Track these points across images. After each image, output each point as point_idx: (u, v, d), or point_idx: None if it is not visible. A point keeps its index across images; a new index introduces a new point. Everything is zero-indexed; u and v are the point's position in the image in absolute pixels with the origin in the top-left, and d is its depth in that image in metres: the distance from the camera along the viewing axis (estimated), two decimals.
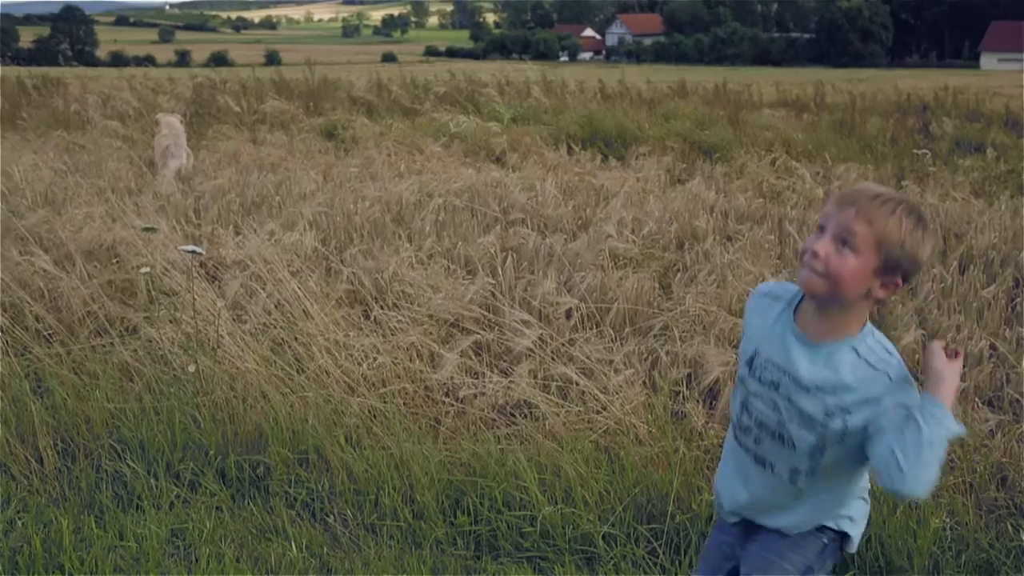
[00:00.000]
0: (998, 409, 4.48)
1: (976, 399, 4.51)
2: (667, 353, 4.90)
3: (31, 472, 3.94)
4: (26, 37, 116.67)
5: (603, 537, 3.46)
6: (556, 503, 3.57)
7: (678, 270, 6.30)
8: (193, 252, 4.91)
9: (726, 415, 4.37)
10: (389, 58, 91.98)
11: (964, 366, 4.83)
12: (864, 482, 2.38)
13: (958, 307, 5.71)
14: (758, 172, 10.29)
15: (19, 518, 3.61)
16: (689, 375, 4.74)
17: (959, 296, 5.88)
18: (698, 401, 4.45)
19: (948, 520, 3.50)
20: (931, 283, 6.01)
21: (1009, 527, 3.54)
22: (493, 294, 5.50)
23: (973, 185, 10.24)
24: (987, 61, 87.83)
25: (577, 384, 4.35)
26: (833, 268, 2.04)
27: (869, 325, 2.16)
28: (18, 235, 6.60)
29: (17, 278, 5.65)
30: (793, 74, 37.26)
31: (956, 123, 14.62)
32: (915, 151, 12.04)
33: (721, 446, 3.98)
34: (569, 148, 11.97)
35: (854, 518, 2.41)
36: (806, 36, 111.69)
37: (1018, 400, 4.55)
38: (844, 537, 2.41)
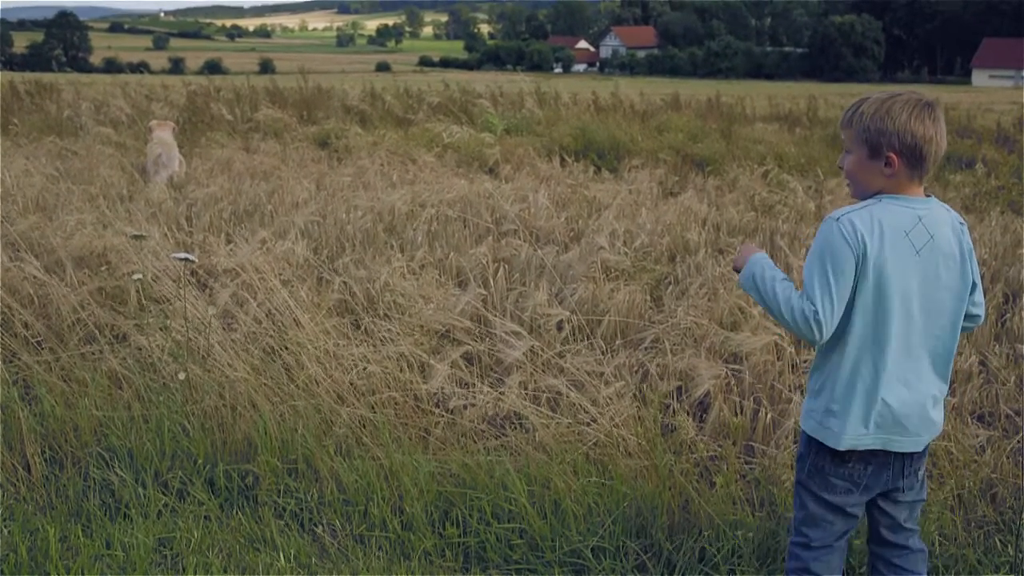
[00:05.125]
0: (988, 425, 4.49)
1: (966, 415, 4.53)
2: (657, 366, 4.91)
3: (18, 480, 3.92)
4: (20, 42, 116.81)
5: (592, 550, 3.45)
6: (545, 515, 3.56)
7: (669, 283, 6.31)
8: (185, 259, 4.90)
9: (716, 428, 4.38)
10: (383, 68, 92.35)
11: (953, 381, 4.88)
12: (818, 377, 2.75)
13: None
14: (750, 185, 10.33)
15: (5, 526, 3.59)
16: (679, 388, 4.74)
17: None
18: (688, 414, 4.44)
19: (937, 535, 3.50)
20: None
21: (998, 543, 3.54)
22: (484, 305, 5.49)
23: (964, 200, 10.30)
24: (978, 77, 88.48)
25: (567, 396, 4.34)
26: (845, 169, 2.72)
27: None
28: (8, 241, 6.58)
29: (6, 284, 5.63)
30: (786, 88, 37.45)
31: (947, 139, 14.66)
32: None
33: (710, 460, 4.01)
34: (562, 160, 11.98)
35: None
36: (799, 50, 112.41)
37: (1008, 416, 4.56)
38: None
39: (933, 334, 2.65)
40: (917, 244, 2.57)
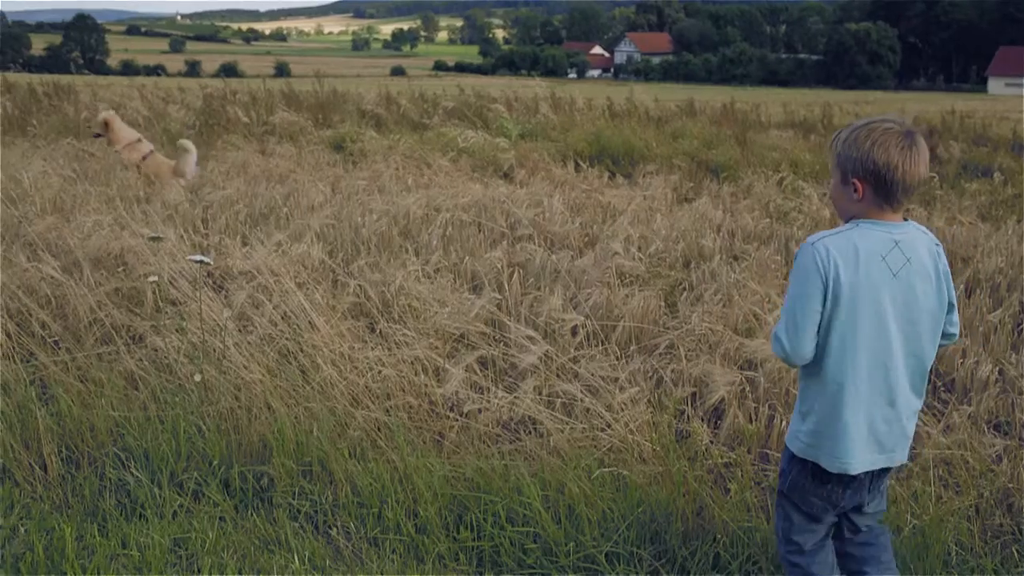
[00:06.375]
0: (1004, 434, 4.47)
1: (983, 424, 4.50)
2: (672, 372, 4.90)
3: (35, 479, 3.94)
4: (38, 45, 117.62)
5: (606, 555, 3.44)
6: (559, 520, 3.56)
7: (684, 289, 6.29)
8: (201, 262, 4.92)
9: (730, 435, 4.37)
10: (398, 72, 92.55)
11: (969, 390, 4.85)
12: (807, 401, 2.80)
13: (964, 331, 5.69)
14: (765, 192, 10.30)
15: (22, 525, 3.61)
16: (694, 394, 4.73)
17: (965, 320, 5.85)
18: (703, 420, 4.44)
19: (954, 545, 3.49)
20: None
21: (1015, 552, 3.52)
22: (499, 309, 5.50)
23: (980, 209, 10.24)
24: (994, 86, 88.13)
25: (582, 401, 4.34)
26: (829, 193, 2.91)
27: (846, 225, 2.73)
28: (26, 241, 6.62)
29: (24, 284, 5.66)
30: (801, 95, 37.34)
31: (963, 147, 14.62)
32: None
33: (725, 466, 4.00)
34: (577, 165, 11.98)
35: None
36: (814, 57, 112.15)
37: None
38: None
39: (912, 353, 2.71)
40: (894, 267, 2.63)
